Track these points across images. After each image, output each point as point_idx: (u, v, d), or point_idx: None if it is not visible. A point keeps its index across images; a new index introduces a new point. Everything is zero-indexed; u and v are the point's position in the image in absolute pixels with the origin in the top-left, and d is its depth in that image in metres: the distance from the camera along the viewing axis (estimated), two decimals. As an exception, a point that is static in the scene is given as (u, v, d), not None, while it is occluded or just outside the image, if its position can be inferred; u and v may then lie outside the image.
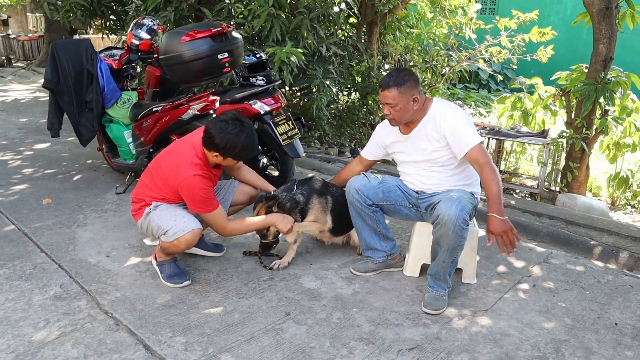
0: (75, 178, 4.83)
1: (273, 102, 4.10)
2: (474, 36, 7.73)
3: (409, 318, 2.77)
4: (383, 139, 3.18)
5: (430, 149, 2.91)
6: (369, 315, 2.78)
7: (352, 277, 3.18)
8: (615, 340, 2.67)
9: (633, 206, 5.97)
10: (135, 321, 2.65)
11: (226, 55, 3.59)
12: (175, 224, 2.88)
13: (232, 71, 3.96)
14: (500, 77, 9.93)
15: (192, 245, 2.97)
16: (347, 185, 3.15)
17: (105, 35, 7.95)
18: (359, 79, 7.13)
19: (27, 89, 10.35)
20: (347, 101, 7.67)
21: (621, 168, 5.86)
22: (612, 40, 4.95)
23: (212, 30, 3.55)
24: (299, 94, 6.79)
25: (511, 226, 2.69)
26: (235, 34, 3.74)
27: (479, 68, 9.54)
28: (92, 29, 8.98)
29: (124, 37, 6.81)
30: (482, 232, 3.58)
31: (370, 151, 3.28)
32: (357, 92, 7.34)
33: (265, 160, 4.29)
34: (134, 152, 4.36)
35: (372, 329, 2.66)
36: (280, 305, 2.84)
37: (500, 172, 6.04)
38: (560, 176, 5.57)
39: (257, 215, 3.17)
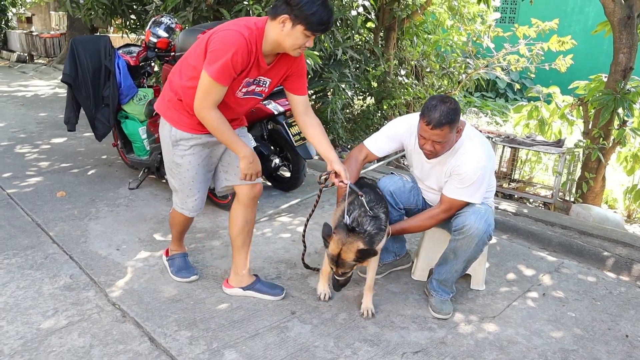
0: (90, 172, 4.88)
1: (287, 102, 4.11)
2: (492, 45, 7.69)
3: (415, 322, 2.75)
4: (404, 139, 2.89)
5: (444, 180, 2.78)
6: (375, 317, 2.76)
7: (359, 279, 3.16)
8: (625, 352, 2.63)
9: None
10: (141, 314, 2.67)
11: (241, 53, 3.59)
12: (183, 193, 2.77)
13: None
14: (517, 86, 9.85)
15: (181, 224, 2.98)
16: (380, 185, 3.02)
17: (125, 34, 8.05)
18: (375, 84, 7.12)
19: (47, 85, 10.51)
20: (362, 105, 7.66)
21: (639, 180, 5.76)
22: (633, 49, 4.88)
23: (228, 29, 3.56)
24: (314, 97, 6.80)
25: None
26: (251, 34, 3.76)
27: (497, 77, 9.49)
28: (112, 28, 9.10)
29: (142, 36, 6.90)
30: (493, 240, 3.57)
31: (382, 147, 2.92)
32: (372, 97, 7.33)
33: (277, 160, 4.30)
34: (148, 148, 4.40)
35: (377, 331, 2.65)
36: (286, 304, 2.83)
37: (514, 181, 5.99)
38: (575, 186, 5.50)
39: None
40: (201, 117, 2.44)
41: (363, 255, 2.52)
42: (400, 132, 2.90)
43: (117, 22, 8.21)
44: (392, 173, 3.16)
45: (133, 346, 2.43)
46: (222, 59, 2.28)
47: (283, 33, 2.31)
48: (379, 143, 2.93)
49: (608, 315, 2.96)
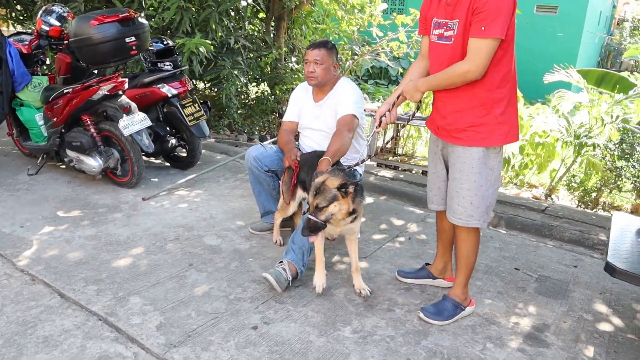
0: (-15, 162, 4.91)
1: (180, 85, 4.44)
2: (380, 34, 8.34)
3: (298, 264, 3.20)
4: (300, 100, 3.47)
5: (333, 123, 3.27)
6: (263, 263, 3.20)
7: (250, 235, 3.59)
8: (468, 275, 3.24)
9: (515, 184, 6.77)
10: (50, 276, 2.92)
11: (133, 39, 3.89)
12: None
13: (140, 55, 4.25)
14: (400, 71, 10.64)
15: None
16: (246, 154, 3.53)
17: (12, 26, 7.87)
18: (268, 70, 7.53)
19: None
20: (257, 92, 8.06)
21: (505, 150, 6.62)
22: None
23: (120, 16, 3.84)
24: (209, 84, 7.10)
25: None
26: (142, 20, 4.04)
27: (388, 65, 10.23)
28: (-2, 20, 8.81)
29: (32, 27, 6.83)
30: (370, 199, 4.13)
31: (294, 113, 3.49)
32: (265, 83, 7.74)
33: (174, 141, 4.61)
34: (45, 134, 4.52)
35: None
36: (184, 259, 3.20)
37: (398, 155, 6.66)
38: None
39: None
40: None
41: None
42: (296, 94, 3.54)
43: (1, 13, 8.00)
44: (261, 145, 3.61)
45: (44, 302, 2.69)
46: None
47: None
48: (290, 112, 3.53)
49: (459, 250, 3.59)
